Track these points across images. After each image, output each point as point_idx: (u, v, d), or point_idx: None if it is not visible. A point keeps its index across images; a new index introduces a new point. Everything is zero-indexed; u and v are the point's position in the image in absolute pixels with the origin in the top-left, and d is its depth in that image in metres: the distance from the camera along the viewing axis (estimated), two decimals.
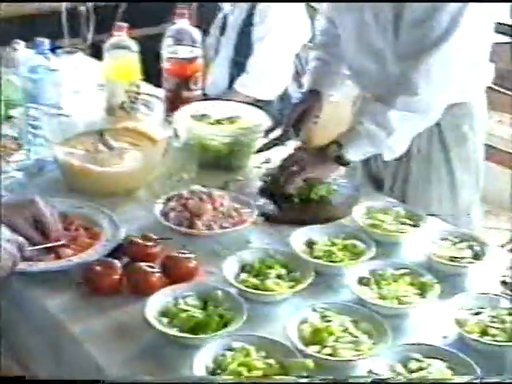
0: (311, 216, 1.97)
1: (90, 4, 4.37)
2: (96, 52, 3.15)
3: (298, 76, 3.43)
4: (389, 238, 1.85)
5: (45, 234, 1.69)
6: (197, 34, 2.55)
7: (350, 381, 1.35)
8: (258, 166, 2.28)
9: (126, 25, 2.47)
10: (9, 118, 2.42)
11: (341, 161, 2.07)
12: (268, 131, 2.37)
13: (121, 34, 2.45)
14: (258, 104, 2.74)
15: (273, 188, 2.09)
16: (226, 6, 3.72)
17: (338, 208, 2.03)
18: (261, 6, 3.51)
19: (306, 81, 2.51)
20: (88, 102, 2.55)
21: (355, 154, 2.08)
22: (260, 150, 2.32)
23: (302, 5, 3.42)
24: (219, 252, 1.77)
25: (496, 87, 2.93)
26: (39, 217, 1.68)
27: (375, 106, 2.08)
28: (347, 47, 2.30)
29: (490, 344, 1.44)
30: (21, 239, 1.52)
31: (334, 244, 1.78)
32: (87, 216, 1.87)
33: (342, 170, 2.16)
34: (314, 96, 2.44)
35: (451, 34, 2.00)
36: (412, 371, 1.35)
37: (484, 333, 1.47)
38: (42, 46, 2.31)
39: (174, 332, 1.44)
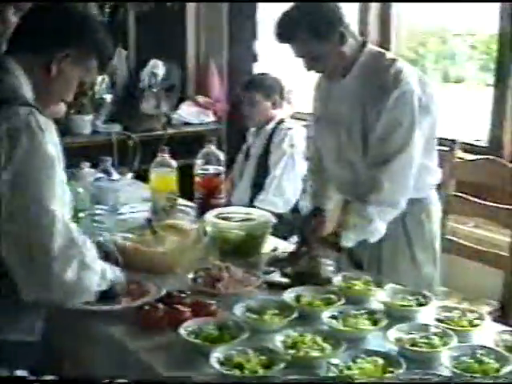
0: (302, 283, 2.60)
1: (137, 138, 5.18)
2: (139, 178, 3.91)
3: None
4: (358, 295, 2.52)
5: None
6: (221, 155, 3.30)
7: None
8: (267, 252, 2.97)
9: (167, 148, 3.25)
10: (78, 219, 3.16)
11: (337, 246, 2.79)
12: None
13: (164, 155, 3.23)
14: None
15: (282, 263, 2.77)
16: (250, 139, 4.53)
17: (323, 279, 2.69)
18: (275, 139, 4.31)
19: (308, 202, 3.24)
20: (136, 209, 3.29)
21: (348, 240, 2.80)
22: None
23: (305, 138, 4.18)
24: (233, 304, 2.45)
25: (471, 198, 3.64)
26: None
27: (357, 204, 2.80)
28: (327, 161, 3.04)
29: (415, 351, 2.12)
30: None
31: (314, 298, 2.47)
32: (141, 282, 2.58)
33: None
34: (317, 215, 3.08)
35: (405, 149, 2.76)
36: (356, 365, 2.02)
37: (414, 345, 2.15)
38: (106, 162, 3.10)
39: (197, 342, 2.14)
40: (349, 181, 2.97)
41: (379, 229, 2.82)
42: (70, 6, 2.32)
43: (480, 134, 4.39)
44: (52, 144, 2.02)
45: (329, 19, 2.79)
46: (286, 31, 2.79)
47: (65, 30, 2.17)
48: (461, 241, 3.72)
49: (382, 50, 3.02)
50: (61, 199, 2.02)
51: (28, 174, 1.95)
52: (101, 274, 2.15)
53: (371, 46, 2.95)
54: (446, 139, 4.19)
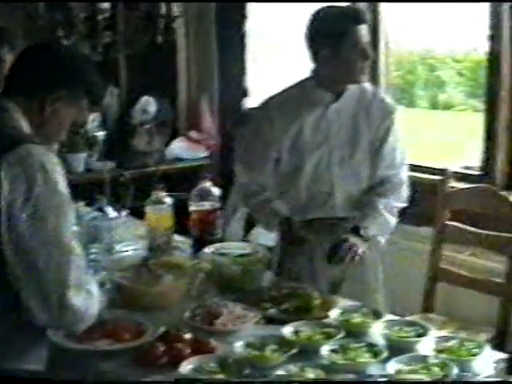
0: (298, 318, 2.60)
1: (129, 175, 5.18)
2: (133, 215, 3.90)
3: None
4: (357, 328, 2.53)
5: None
6: (216, 191, 3.31)
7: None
8: (264, 287, 2.96)
9: (162, 185, 3.27)
10: None
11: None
12: None
13: (158, 192, 3.24)
14: None
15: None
16: None
17: (319, 312, 2.69)
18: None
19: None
20: (132, 246, 3.30)
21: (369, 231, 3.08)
22: None
23: None
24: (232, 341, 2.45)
25: (466, 226, 3.66)
26: None
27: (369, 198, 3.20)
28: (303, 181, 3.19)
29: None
30: None
31: (313, 332, 2.47)
32: (138, 321, 2.57)
33: None
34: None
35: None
36: None
37: None
38: (101, 200, 3.12)
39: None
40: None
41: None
42: (61, 47, 2.38)
43: (472, 161, 4.41)
44: (64, 182, 2.12)
45: None
46: None
47: (55, 72, 2.23)
48: (457, 269, 3.74)
49: None
50: (73, 233, 2.16)
51: (46, 212, 2.06)
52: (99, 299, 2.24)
53: None
54: (437, 168, 4.25)
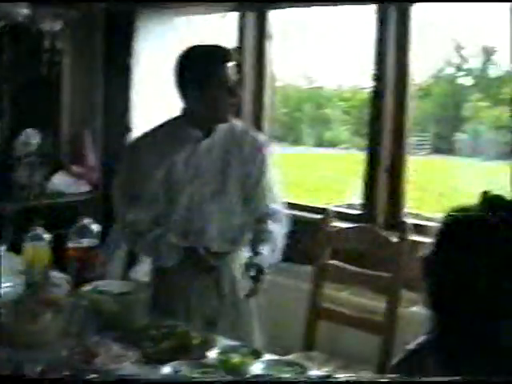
0: (177, 357, 2.60)
1: (9, 209, 5.07)
2: (13, 250, 3.81)
3: None
4: (235, 368, 2.52)
5: None
6: (95, 228, 3.28)
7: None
8: (146, 325, 2.91)
9: (40, 221, 3.21)
10: None
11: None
12: None
13: (37, 228, 3.19)
14: None
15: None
16: None
17: (198, 351, 2.69)
18: None
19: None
20: (9, 283, 3.22)
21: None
22: None
23: None
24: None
25: (347, 265, 3.71)
26: None
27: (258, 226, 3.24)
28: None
29: None
30: None
31: (190, 372, 2.46)
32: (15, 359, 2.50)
33: None
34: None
35: None
36: None
37: None
38: None
39: None
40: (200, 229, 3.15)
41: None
42: None
43: (355, 199, 4.50)
44: None
45: None
46: None
47: None
48: (338, 308, 3.78)
49: None
50: None
51: None
52: None
53: None
54: (318, 207, 4.31)
